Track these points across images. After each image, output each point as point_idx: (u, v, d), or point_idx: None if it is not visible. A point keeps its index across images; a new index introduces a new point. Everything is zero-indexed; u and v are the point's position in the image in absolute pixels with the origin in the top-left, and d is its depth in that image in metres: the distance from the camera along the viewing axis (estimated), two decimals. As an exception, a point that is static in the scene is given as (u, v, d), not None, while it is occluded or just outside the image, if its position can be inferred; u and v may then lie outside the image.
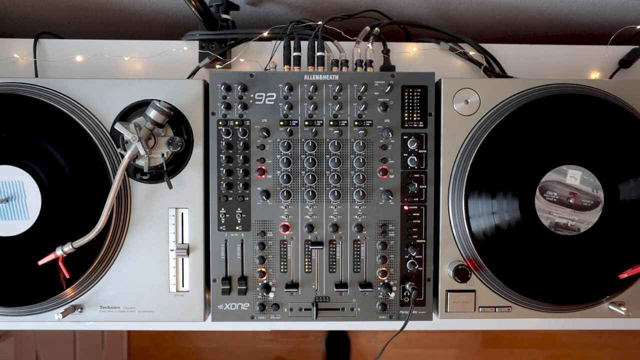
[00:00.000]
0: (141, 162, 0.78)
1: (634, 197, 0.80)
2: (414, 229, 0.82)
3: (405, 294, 0.82)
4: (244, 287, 0.81)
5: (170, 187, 0.80)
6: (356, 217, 0.82)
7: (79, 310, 0.81)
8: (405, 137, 0.81)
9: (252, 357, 2.04)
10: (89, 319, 0.82)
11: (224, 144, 0.80)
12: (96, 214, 0.77)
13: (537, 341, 2.01)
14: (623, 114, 0.79)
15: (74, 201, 0.79)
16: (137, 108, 0.80)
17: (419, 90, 0.81)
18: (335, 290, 0.82)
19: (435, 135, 0.82)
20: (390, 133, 0.79)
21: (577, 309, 0.84)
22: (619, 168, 0.80)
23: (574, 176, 0.79)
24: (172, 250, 0.81)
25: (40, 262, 0.76)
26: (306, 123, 0.81)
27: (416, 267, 0.82)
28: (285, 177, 0.80)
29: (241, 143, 0.80)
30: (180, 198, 0.81)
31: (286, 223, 0.81)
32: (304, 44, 0.87)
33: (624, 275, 0.79)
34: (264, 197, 0.80)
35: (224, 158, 0.80)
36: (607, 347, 2.00)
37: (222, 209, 0.81)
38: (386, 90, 0.80)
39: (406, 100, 0.81)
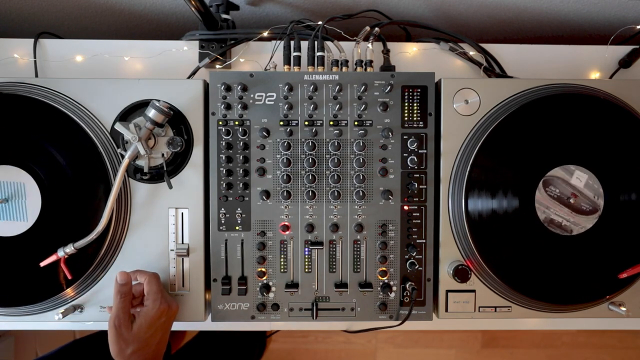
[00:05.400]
0: (141, 162, 0.78)
1: (632, 208, 0.80)
2: (414, 229, 0.82)
3: (405, 294, 0.82)
4: (244, 287, 0.81)
5: (170, 187, 0.80)
6: (356, 217, 0.82)
7: (79, 310, 0.81)
8: (405, 137, 0.81)
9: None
10: (89, 318, 0.82)
11: (224, 144, 0.80)
12: (96, 213, 0.77)
13: (537, 341, 2.01)
14: (623, 114, 0.79)
15: (74, 201, 0.79)
16: (137, 108, 0.80)
17: (419, 90, 0.81)
18: (335, 290, 0.82)
19: (435, 135, 0.82)
20: (390, 133, 0.79)
21: (577, 309, 0.84)
22: (618, 171, 0.80)
23: (580, 178, 0.79)
24: (172, 250, 0.81)
25: (43, 264, 0.76)
26: (306, 123, 0.81)
27: (416, 267, 0.82)
28: (285, 177, 0.80)
29: (241, 143, 0.80)
30: (180, 198, 0.81)
31: (286, 223, 0.81)
32: (304, 44, 0.87)
33: (623, 275, 0.79)
34: (264, 197, 0.80)
35: (224, 158, 0.80)
36: (607, 347, 2.00)
37: (222, 209, 0.81)
38: (386, 90, 0.80)
39: (406, 101, 0.81)
